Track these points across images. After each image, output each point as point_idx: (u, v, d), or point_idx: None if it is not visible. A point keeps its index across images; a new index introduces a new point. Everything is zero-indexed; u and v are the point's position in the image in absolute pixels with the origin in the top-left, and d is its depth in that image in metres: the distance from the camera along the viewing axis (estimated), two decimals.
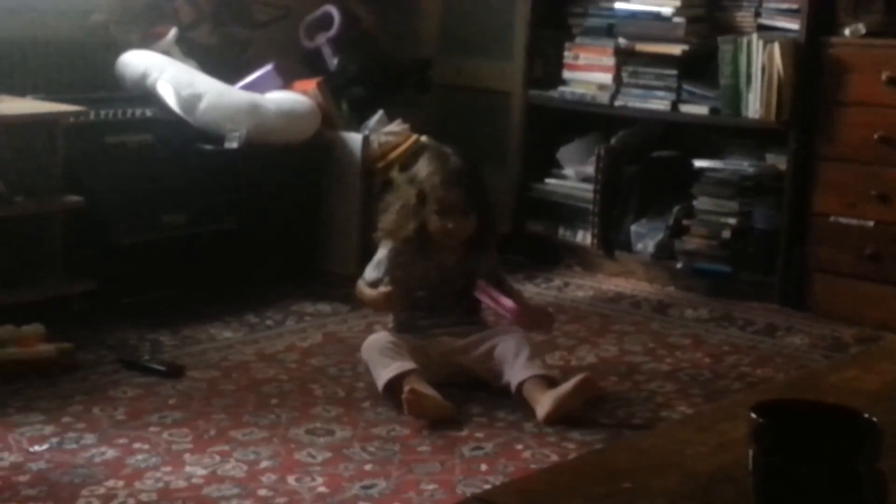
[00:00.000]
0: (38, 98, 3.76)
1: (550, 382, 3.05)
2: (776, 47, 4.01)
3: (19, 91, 3.79)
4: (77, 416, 2.92)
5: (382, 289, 3.23)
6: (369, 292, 3.27)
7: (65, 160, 3.64)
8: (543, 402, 2.97)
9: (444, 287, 3.28)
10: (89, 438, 2.79)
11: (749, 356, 3.60)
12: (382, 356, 3.10)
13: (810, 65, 4.01)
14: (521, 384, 3.04)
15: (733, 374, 3.44)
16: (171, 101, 3.98)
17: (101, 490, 2.51)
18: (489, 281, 3.25)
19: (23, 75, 3.88)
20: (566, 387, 2.98)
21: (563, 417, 2.94)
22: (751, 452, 1.34)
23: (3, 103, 3.61)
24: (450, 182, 3.21)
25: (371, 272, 3.30)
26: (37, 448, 2.72)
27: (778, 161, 4.19)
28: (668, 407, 3.15)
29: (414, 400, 2.95)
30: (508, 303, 3.17)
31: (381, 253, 3.30)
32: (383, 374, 3.06)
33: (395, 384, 3.04)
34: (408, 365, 3.06)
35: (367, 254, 3.44)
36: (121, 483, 2.55)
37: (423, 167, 3.28)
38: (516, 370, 3.07)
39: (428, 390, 2.99)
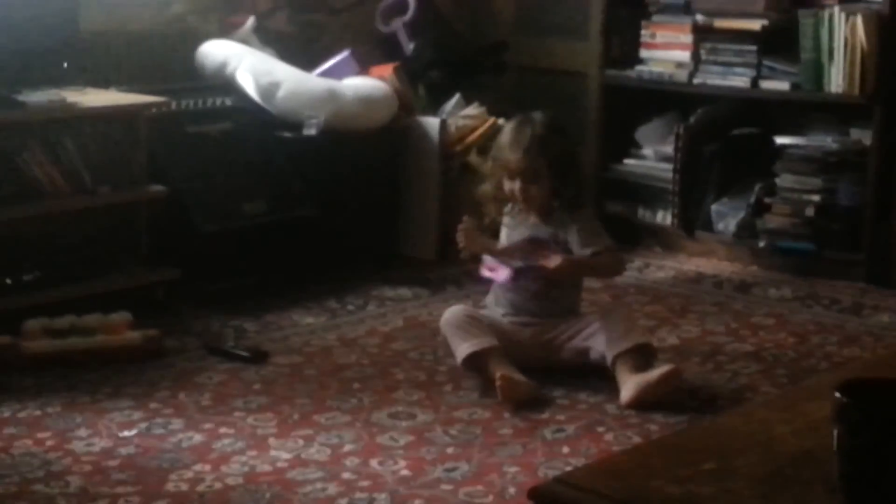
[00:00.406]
0: (121, 90, 3.83)
1: (645, 357, 3.02)
2: (859, 19, 3.93)
3: (102, 83, 3.86)
4: (164, 401, 2.97)
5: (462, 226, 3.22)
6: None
7: (147, 150, 3.70)
8: (629, 386, 2.95)
9: (535, 254, 3.19)
10: (176, 424, 2.84)
11: (835, 335, 3.54)
12: (461, 330, 3.10)
13: (895, 37, 3.92)
14: (615, 358, 3.01)
15: (819, 354, 3.39)
16: (251, 89, 4.02)
17: (189, 474, 2.56)
18: (581, 246, 3.19)
19: (105, 67, 3.94)
20: (652, 375, 2.96)
21: (644, 404, 2.92)
22: (835, 433, 1.32)
23: (86, 95, 3.67)
24: (514, 146, 3.18)
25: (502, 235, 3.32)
26: (126, 433, 2.78)
27: (862, 136, 4.11)
28: (751, 388, 3.11)
29: (506, 386, 2.95)
30: (502, 274, 3.15)
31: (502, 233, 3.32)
32: (463, 347, 3.07)
33: (474, 360, 3.05)
34: (488, 341, 3.07)
35: (446, 237, 3.45)
36: (207, 467, 2.59)
37: (501, 136, 3.29)
38: (612, 342, 3.03)
39: (517, 374, 3.00)
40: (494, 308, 3.28)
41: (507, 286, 3.22)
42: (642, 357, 3.04)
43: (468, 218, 3.27)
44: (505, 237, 3.29)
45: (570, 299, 3.28)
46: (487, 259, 3.20)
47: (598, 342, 3.08)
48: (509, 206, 3.29)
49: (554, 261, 3.11)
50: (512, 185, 3.20)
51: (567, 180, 3.22)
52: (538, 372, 3.11)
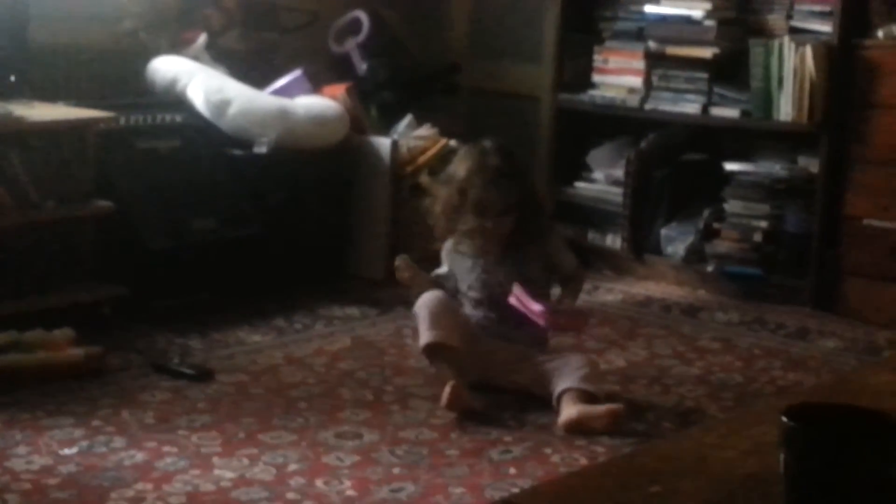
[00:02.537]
0: (70, 104, 3.78)
1: (590, 399, 3.01)
2: (808, 50, 3.98)
3: (51, 97, 3.81)
4: (106, 419, 2.93)
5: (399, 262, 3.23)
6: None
7: (95, 166, 3.66)
8: (571, 411, 2.95)
9: (493, 285, 3.22)
10: (118, 442, 2.79)
11: (780, 360, 3.57)
12: (433, 315, 3.10)
13: (843, 67, 3.97)
14: (563, 392, 3.01)
15: (764, 378, 3.41)
16: (201, 106, 3.99)
17: (130, 493, 2.52)
18: (548, 272, 3.22)
19: (53, 82, 3.90)
20: (598, 409, 2.95)
21: (580, 430, 2.92)
22: (782, 457, 1.32)
23: (34, 109, 3.63)
24: (486, 182, 3.18)
25: (439, 269, 3.33)
26: (66, 451, 2.73)
27: (810, 164, 4.15)
28: (698, 411, 3.12)
29: (455, 396, 2.96)
30: (536, 306, 3.11)
31: (443, 258, 3.32)
32: (429, 334, 3.08)
33: (435, 350, 3.07)
34: (454, 339, 3.08)
35: (395, 258, 3.44)
36: (149, 486, 2.56)
37: (460, 165, 3.26)
38: (565, 380, 3.03)
39: (466, 390, 3.00)
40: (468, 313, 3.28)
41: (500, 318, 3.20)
42: (588, 398, 3.01)
43: (403, 256, 3.28)
44: (453, 265, 3.28)
45: (528, 337, 3.26)
46: (516, 289, 3.13)
47: (557, 377, 3.06)
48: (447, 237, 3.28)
49: (540, 310, 3.10)
50: (481, 222, 3.18)
51: (530, 214, 3.23)
52: (488, 391, 3.10)
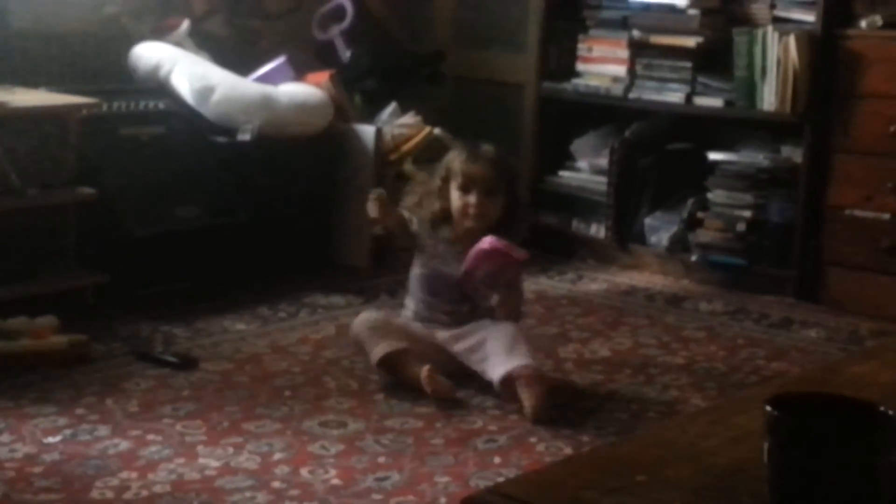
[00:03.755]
0: (51, 90, 3.77)
1: (532, 373, 2.99)
2: (792, 39, 3.98)
3: (32, 83, 3.80)
4: (90, 407, 2.92)
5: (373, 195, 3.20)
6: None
7: (78, 152, 3.65)
8: (527, 402, 2.94)
9: (453, 282, 3.21)
10: (103, 430, 2.79)
11: (764, 349, 3.58)
12: (374, 332, 3.13)
13: (826, 57, 3.98)
14: (500, 382, 3.00)
15: (748, 368, 3.42)
16: (184, 93, 3.98)
17: (115, 482, 2.52)
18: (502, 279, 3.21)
19: (36, 67, 3.88)
20: (537, 389, 2.94)
21: (546, 416, 2.92)
22: (766, 445, 1.33)
23: (16, 95, 3.61)
24: (474, 157, 3.20)
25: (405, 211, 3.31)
26: (50, 439, 2.72)
27: (793, 154, 4.17)
28: (682, 400, 3.13)
29: (432, 379, 2.98)
30: (482, 242, 3.11)
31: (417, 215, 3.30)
32: (378, 348, 3.09)
33: (389, 360, 3.08)
34: (402, 344, 3.10)
35: (380, 246, 3.44)
36: (134, 475, 2.55)
37: (451, 154, 3.29)
38: (501, 362, 3.01)
39: (439, 374, 3.02)
40: (406, 313, 3.30)
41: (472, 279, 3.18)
42: (530, 373, 2.98)
43: (379, 189, 3.26)
44: (422, 233, 3.27)
45: (485, 310, 3.27)
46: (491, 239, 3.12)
47: (487, 366, 3.06)
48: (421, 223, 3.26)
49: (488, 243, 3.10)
50: (466, 199, 3.19)
51: (513, 211, 3.23)
52: (470, 380, 3.11)
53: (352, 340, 3.22)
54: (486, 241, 3.12)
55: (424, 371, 3.01)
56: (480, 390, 3.09)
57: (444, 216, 3.25)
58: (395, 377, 3.11)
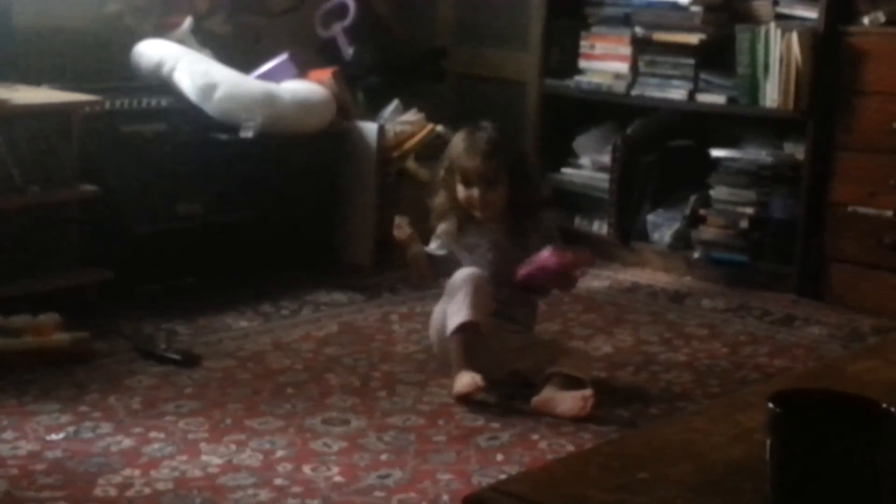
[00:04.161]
0: (54, 87, 3.77)
1: (575, 385, 2.99)
2: (794, 36, 3.98)
3: (35, 80, 3.80)
4: (93, 405, 2.93)
5: (398, 231, 3.19)
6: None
7: (80, 149, 3.65)
8: (543, 393, 2.96)
9: (500, 263, 3.20)
10: (105, 427, 2.79)
11: (766, 346, 3.58)
12: (473, 295, 3.05)
13: (829, 54, 3.98)
14: (550, 374, 3.01)
15: (750, 365, 3.42)
16: (187, 90, 3.98)
17: (118, 479, 2.52)
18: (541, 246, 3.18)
19: (38, 65, 3.88)
20: (566, 394, 2.94)
21: (546, 414, 2.92)
22: (768, 443, 1.33)
23: (18, 92, 3.61)
24: (471, 151, 3.18)
25: (431, 245, 3.29)
26: (53, 437, 2.73)
27: (796, 150, 4.16)
28: (684, 397, 3.13)
29: (474, 391, 2.97)
30: (542, 256, 3.09)
31: (433, 244, 3.29)
32: (468, 312, 3.02)
33: (466, 329, 3.03)
34: (484, 324, 3.05)
35: (383, 243, 3.43)
36: (137, 472, 2.55)
37: (452, 141, 3.28)
38: (556, 364, 3.03)
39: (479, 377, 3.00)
40: None
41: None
42: (573, 385, 3.00)
43: (400, 216, 3.25)
44: (455, 250, 3.25)
45: (529, 317, 3.28)
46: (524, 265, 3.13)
47: (549, 363, 3.06)
48: (445, 221, 3.26)
49: (547, 255, 3.09)
50: (469, 192, 3.19)
51: (523, 186, 3.22)
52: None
53: (449, 287, 3.13)
54: (552, 260, 3.08)
55: (474, 379, 2.97)
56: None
57: (455, 205, 3.24)
58: (457, 347, 3.04)
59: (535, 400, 2.95)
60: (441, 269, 3.26)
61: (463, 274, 3.13)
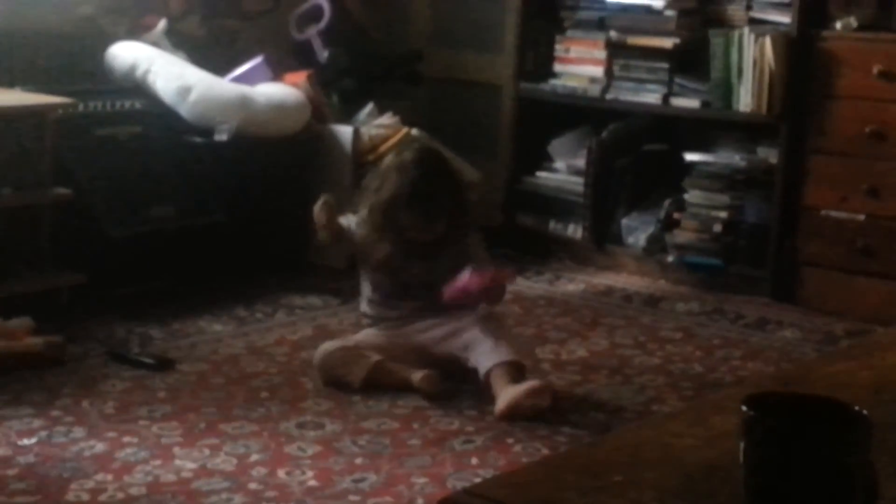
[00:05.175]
0: (27, 90, 3.74)
1: (517, 370, 3.02)
2: (768, 41, 4.00)
3: (7, 83, 3.77)
4: (66, 409, 2.91)
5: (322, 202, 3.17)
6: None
7: (53, 152, 3.63)
8: (502, 397, 2.96)
9: (415, 273, 3.22)
10: (78, 432, 2.77)
11: (740, 350, 3.60)
12: (343, 364, 3.10)
13: (802, 58, 4.00)
14: (488, 372, 3.02)
15: (724, 368, 3.43)
16: (161, 93, 3.96)
17: (90, 484, 2.50)
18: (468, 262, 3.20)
19: (11, 67, 3.86)
20: (520, 388, 2.95)
21: (516, 416, 2.92)
22: (741, 445, 1.33)
23: None
24: (410, 203, 3.14)
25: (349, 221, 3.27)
26: (25, 441, 2.71)
27: (769, 154, 4.18)
28: (658, 400, 3.14)
29: (430, 381, 3.01)
30: (463, 279, 3.11)
31: (351, 219, 3.27)
32: (354, 375, 3.08)
33: (372, 379, 3.07)
34: (373, 358, 3.09)
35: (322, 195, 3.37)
36: (110, 477, 2.54)
37: (385, 183, 3.21)
38: (483, 356, 3.04)
39: (426, 371, 3.04)
40: (367, 313, 3.29)
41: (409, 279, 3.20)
42: (515, 370, 3.02)
43: (328, 195, 3.22)
44: (368, 239, 3.24)
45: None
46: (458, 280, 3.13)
47: (473, 354, 3.08)
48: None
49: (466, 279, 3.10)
50: (408, 219, 3.17)
51: (460, 205, 3.23)
52: (447, 381, 3.11)
53: (322, 378, 3.14)
54: (473, 282, 3.09)
55: (418, 376, 3.02)
56: (458, 392, 3.09)
57: (391, 227, 3.21)
58: (382, 388, 3.09)
59: (498, 408, 2.95)
60: (352, 242, 3.26)
61: (318, 359, 3.14)
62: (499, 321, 3.19)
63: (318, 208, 3.18)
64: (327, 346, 3.19)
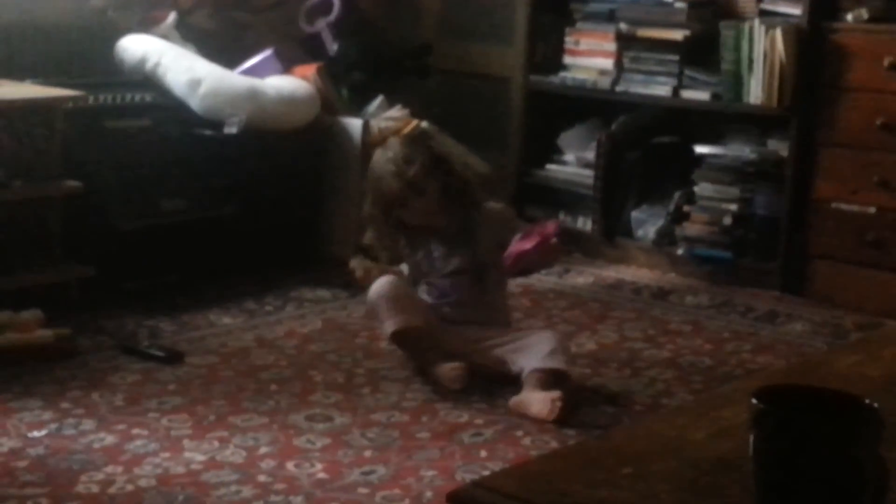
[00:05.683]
0: (37, 83, 3.75)
1: (557, 379, 2.99)
2: (778, 33, 3.99)
3: (18, 76, 3.78)
4: (76, 401, 2.92)
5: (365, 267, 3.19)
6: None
7: (64, 145, 3.63)
8: (519, 395, 2.95)
9: (449, 265, 3.22)
10: (88, 424, 2.78)
11: (749, 343, 3.59)
12: (392, 302, 3.08)
13: (812, 50, 3.99)
14: (529, 372, 3.00)
15: (734, 361, 3.43)
16: (171, 85, 3.96)
17: (100, 476, 2.51)
18: (500, 241, 3.19)
19: (21, 60, 3.86)
20: (537, 395, 2.92)
21: (521, 415, 2.92)
22: (751, 438, 1.33)
23: (1, 88, 3.59)
24: (394, 173, 3.15)
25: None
26: (35, 434, 2.72)
27: (779, 147, 4.17)
28: (668, 394, 3.14)
29: (460, 375, 3.01)
30: (516, 245, 3.11)
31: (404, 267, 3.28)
32: (392, 321, 3.07)
33: (402, 335, 3.07)
34: (417, 319, 3.08)
35: (350, 261, 3.41)
36: (119, 469, 2.55)
37: (369, 174, 3.24)
38: (530, 360, 3.02)
39: (456, 362, 3.04)
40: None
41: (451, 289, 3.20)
42: (554, 378, 3.00)
43: (358, 258, 3.24)
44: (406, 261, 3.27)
45: (500, 306, 3.28)
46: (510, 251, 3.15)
47: (521, 356, 3.06)
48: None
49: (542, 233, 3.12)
50: (411, 210, 3.17)
51: (454, 177, 3.19)
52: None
53: (367, 305, 3.17)
54: (524, 245, 3.10)
55: (446, 368, 3.01)
56: (467, 385, 3.08)
57: (386, 239, 3.23)
58: (404, 352, 3.10)
59: (512, 401, 2.95)
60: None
61: (374, 289, 3.14)
62: (555, 335, 3.15)
63: (354, 274, 3.22)
64: (386, 280, 3.14)
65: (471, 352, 3.14)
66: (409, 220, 3.20)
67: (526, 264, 3.18)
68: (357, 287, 3.33)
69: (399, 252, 3.26)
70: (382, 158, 3.24)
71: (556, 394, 2.90)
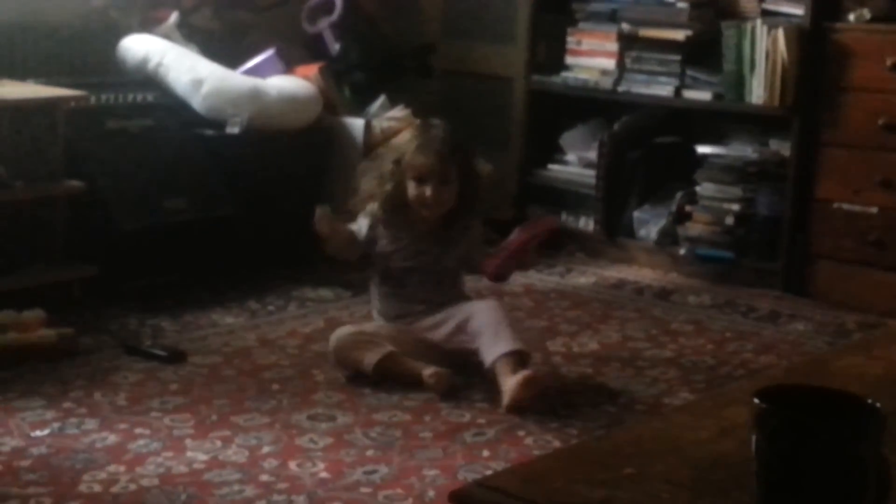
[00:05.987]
0: (39, 82, 3.75)
1: (519, 359, 3.01)
2: (780, 33, 3.99)
3: (20, 75, 3.78)
4: (78, 401, 2.92)
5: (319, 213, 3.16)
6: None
7: (66, 145, 3.64)
8: (504, 393, 2.95)
9: (423, 261, 3.23)
10: (90, 423, 2.78)
11: (752, 343, 3.59)
12: (357, 346, 3.11)
13: (814, 50, 3.99)
14: (492, 367, 3.01)
15: (736, 361, 3.43)
16: (173, 85, 3.96)
17: (103, 475, 2.51)
18: (471, 257, 3.22)
19: (23, 59, 3.87)
20: (513, 380, 2.93)
21: (525, 409, 2.92)
22: (753, 438, 1.33)
23: (3, 87, 3.60)
24: (425, 148, 3.17)
25: (360, 222, 3.28)
26: (38, 433, 2.72)
27: (781, 147, 4.18)
28: (670, 393, 3.14)
29: (440, 379, 3.00)
30: (509, 242, 3.15)
31: (361, 221, 3.26)
32: (368, 358, 3.07)
33: (383, 366, 3.07)
34: (387, 348, 3.09)
35: (316, 208, 3.38)
36: (122, 468, 2.55)
37: (403, 136, 3.28)
38: (485, 348, 3.04)
39: (438, 367, 3.04)
40: (378, 316, 3.29)
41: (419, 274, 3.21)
42: (517, 360, 3.01)
43: (324, 206, 3.21)
44: (377, 233, 3.24)
45: (458, 288, 3.30)
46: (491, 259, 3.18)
47: (479, 345, 3.07)
48: (375, 206, 3.24)
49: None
50: (421, 190, 3.17)
51: (472, 185, 3.22)
52: (458, 374, 3.11)
53: (334, 359, 3.15)
54: (523, 236, 3.15)
55: (427, 372, 3.02)
56: (469, 384, 3.09)
57: (399, 200, 3.22)
58: (391, 379, 3.09)
59: (504, 405, 2.95)
60: (360, 245, 3.26)
61: (333, 340, 3.14)
62: (496, 309, 3.14)
63: (317, 221, 3.17)
64: (344, 329, 3.19)
65: (433, 351, 3.15)
66: (414, 198, 3.18)
67: (522, 257, 3.21)
68: (322, 242, 3.25)
69: (391, 206, 3.23)
70: (426, 130, 3.24)
71: (520, 375, 2.93)
